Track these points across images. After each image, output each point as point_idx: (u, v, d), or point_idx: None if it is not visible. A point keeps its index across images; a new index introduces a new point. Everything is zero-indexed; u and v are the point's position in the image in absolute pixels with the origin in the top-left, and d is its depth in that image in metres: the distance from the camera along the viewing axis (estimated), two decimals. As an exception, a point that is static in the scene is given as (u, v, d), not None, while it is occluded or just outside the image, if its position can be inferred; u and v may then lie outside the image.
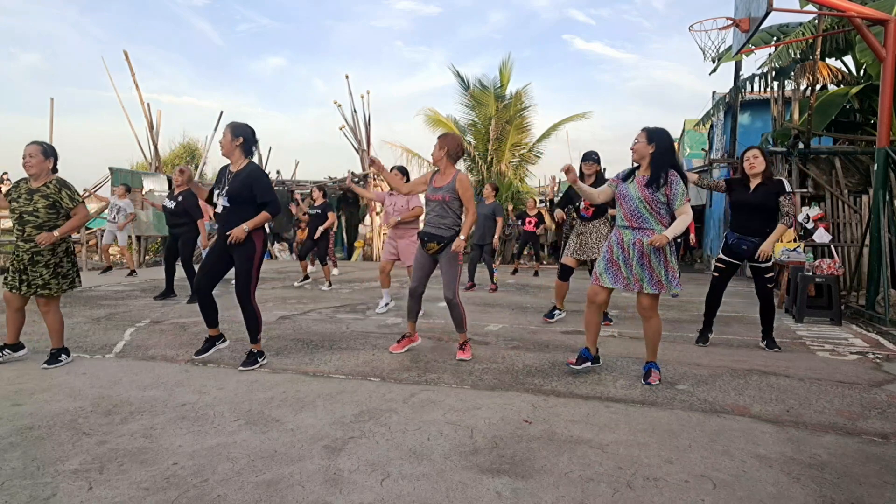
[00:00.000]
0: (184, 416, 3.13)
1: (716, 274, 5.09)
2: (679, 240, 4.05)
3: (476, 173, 17.96)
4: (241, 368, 4.06)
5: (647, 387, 3.77)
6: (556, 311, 6.15)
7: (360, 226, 17.13)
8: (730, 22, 7.41)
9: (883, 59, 6.65)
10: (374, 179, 15.91)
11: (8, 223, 13.31)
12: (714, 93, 16.13)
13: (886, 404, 3.51)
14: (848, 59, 11.67)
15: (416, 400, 3.46)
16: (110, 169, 13.81)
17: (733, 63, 13.03)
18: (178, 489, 2.32)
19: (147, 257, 14.04)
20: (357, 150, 16.11)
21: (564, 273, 5.94)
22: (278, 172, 18.38)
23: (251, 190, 4.03)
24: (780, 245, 4.96)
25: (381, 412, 3.23)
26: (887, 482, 2.47)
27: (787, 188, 4.92)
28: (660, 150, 3.75)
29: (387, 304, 6.73)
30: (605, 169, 5.89)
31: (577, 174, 4.01)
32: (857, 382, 3.98)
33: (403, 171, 6.57)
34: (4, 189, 17.62)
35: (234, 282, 4.17)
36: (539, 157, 18.57)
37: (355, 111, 15.85)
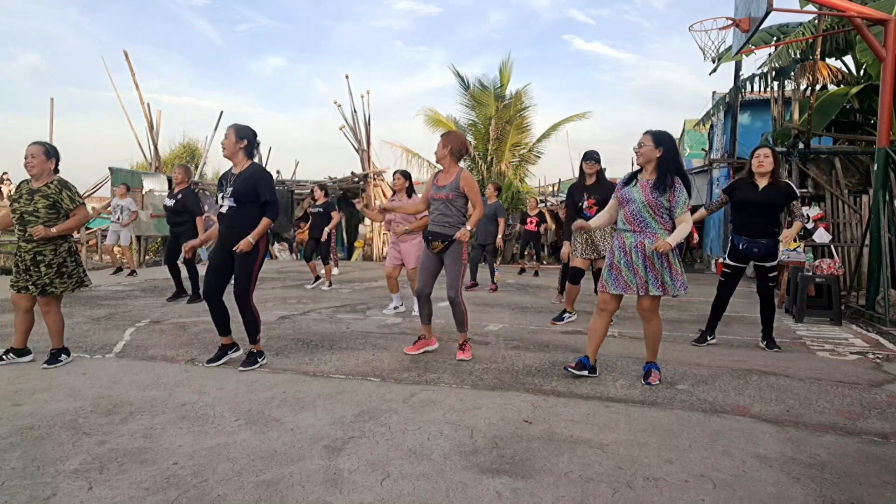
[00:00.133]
0: (184, 416, 3.13)
1: (723, 279, 5.08)
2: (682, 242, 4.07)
3: (476, 173, 17.92)
4: (240, 368, 4.07)
5: (647, 387, 3.77)
6: (566, 314, 6.13)
7: (360, 226, 17.12)
8: (730, 22, 7.41)
9: (883, 59, 6.65)
10: (374, 179, 15.91)
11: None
12: (714, 93, 16.12)
13: (886, 404, 3.51)
14: (848, 59, 11.67)
15: (416, 400, 3.46)
16: (110, 169, 13.78)
17: (733, 63, 13.02)
18: (178, 489, 2.32)
19: (147, 257, 14.03)
20: (357, 150, 16.10)
21: (575, 276, 5.91)
22: (278, 172, 18.38)
23: (255, 189, 4.06)
24: (780, 245, 4.99)
25: (381, 412, 3.23)
26: (887, 482, 2.47)
27: (797, 193, 4.97)
28: (667, 155, 3.75)
29: (396, 308, 6.71)
30: (605, 169, 5.88)
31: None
32: (857, 382, 3.98)
33: (406, 176, 6.53)
34: (4, 189, 17.65)
35: (232, 283, 4.18)
36: (539, 157, 18.53)
37: (355, 111, 15.84)
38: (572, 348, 4.80)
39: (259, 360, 4.16)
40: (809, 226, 9.30)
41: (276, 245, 16.80)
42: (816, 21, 9.68)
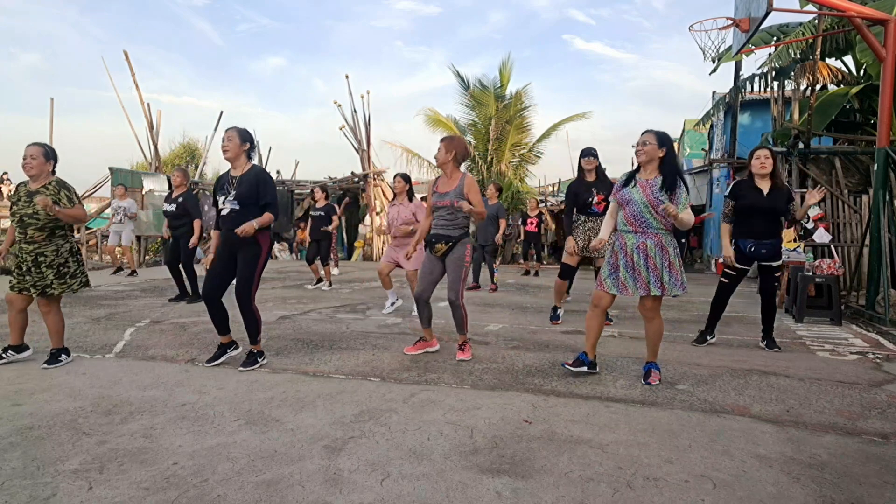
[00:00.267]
0: (184, 416, 3.13)
1: (725, 280, 5.07)
2: (683, 240, 4.07)
3: (476, 173, 17.94)
4: (241, 368, 4.07)
5: (647, 387, 3.77)
6: (558, 310, 6.14)
7: (360, 226, 17.13)
8: (730, 22, 7.41)
9: (883, 59, 6.65)
10: (374, 179, 15.91)
11: (6, 224, 13.31)
12: (714, 93, 16.12)
13: (886, 404, 3.51)
14: (848, 59, 11.67)
15: (416, 400, 3.46)
16: (110, 169, 13.78)
17: (733, 63, 13.02)
18: (178, 489, 2.32)
19: (147, 257, 14.03)
20: (357, 150, 16.10)
21: (565, 272, 5.91)
22: (278, 172, 18.39)
23: (258, 191, 4.08)
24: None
25: (381, 412, 3.23)
26: (887, 482, 2.47)
27: (794, 195, 5.02)
28: (670, 155, 3.76)
29: (393, 304, 6.73)
30: (605, 169, 5.88)
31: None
32: (857, 382, 3.98)
33: (407, 179, 6.54)
34: (4, 189, 17.64)
35: (234, 284, 4.18)
36: (539, 157, 18.55)
37: (355, 111, 15.84)
38: (572, 348, 4.79)
39: (259, 360, 4.16)
40: (809, 226, 9.30)
41: (277, 245, 16.80)
42: (816, 21, 9.68)
